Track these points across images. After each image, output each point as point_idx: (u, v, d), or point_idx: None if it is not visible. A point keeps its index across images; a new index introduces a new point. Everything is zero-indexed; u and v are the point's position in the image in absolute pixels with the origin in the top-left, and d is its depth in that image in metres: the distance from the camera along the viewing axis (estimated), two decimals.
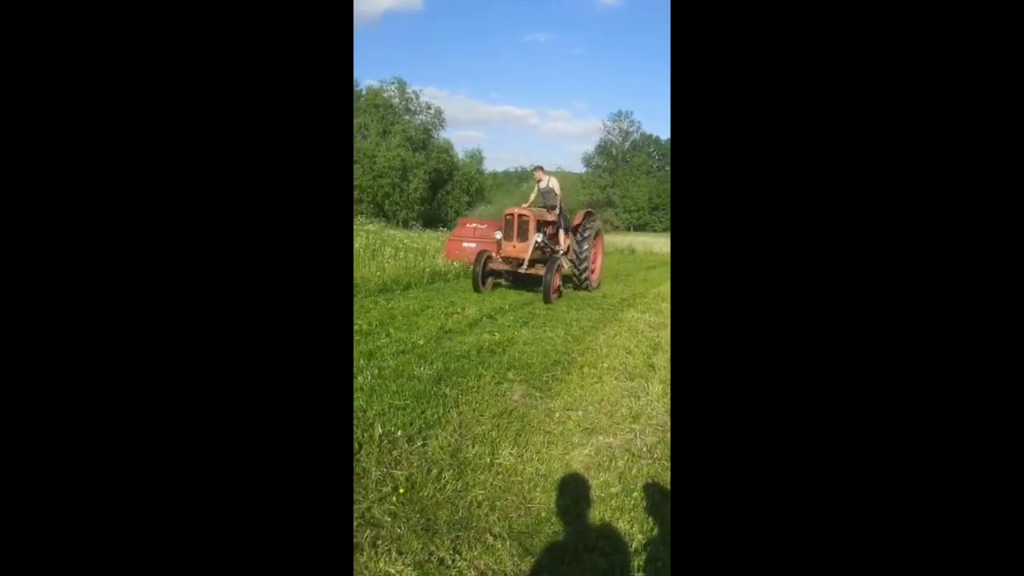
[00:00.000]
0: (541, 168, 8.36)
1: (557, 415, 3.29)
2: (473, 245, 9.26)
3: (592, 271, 8.72)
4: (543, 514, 2.23)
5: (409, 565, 1.83)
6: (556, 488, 2.42)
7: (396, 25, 57.64)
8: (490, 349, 4.56)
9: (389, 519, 2.09)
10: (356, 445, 2.64)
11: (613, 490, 2.40)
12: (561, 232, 8.22)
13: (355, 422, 2.87)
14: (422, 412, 3.09)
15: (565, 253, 8.32)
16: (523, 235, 7.59)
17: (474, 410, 3.23)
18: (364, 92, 34.42)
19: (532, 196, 8.36)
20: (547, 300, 7.07)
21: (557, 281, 7.44)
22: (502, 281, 8.56)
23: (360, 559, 1.86)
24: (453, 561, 1.88)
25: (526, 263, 7.61)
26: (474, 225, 10.19)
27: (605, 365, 4.34)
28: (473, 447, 2.75)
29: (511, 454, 2.71)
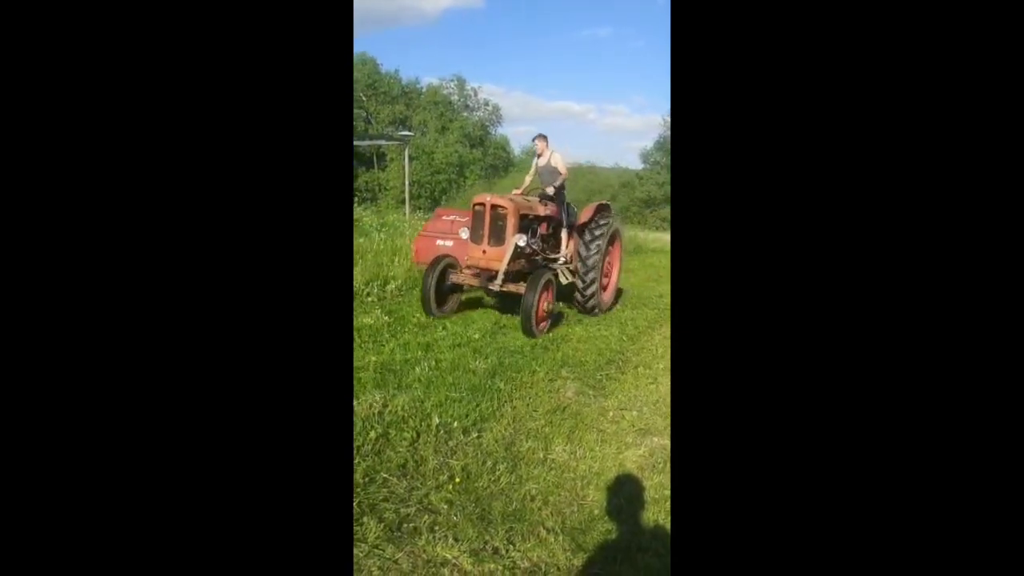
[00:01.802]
0: (543, 137, 5.74)
1: (611, 414, 3.28)
2: (450, 243, 6.39)
3: (604, 287, 6.15)
4: (596, 511, 2.24)
5: (465, 552, 1.89)
6: (609, 487, 2.43)
7: (456, 23, 58.39)
8: (543, 346, 4.59)
9: (446, 506, 2.16)
10: (414, 434, 2.73)
11: (667, 492, 2.38)
12: (564, 232, 5.95)
13: (413, 411, 2.97)
14: (477, 405, 3.16)
15: (567, 262, 5.92)
16: (497, 236, 5.11)
17: (528, 405, 3.27)
18: (424, 90, 35.11)
19: (528, 178, 6.00)
20: (528, 332, 4.71)
21: (544, 304, 4.86)
22: (486, 299, 6.02)
23: (419, 542, 1.93)
24: (507, 551, 1.92)
25: (500, 277, 4.97)
26: (452, 217, 7.02)
27: (660, 366, 4.28)
28: (527, 441, 2.79)
29: (564, 450, 2.73)
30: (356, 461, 2.43)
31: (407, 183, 14.80)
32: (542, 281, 4.79)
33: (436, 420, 2.88)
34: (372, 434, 2.65)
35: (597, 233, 5.77)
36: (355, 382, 3.29)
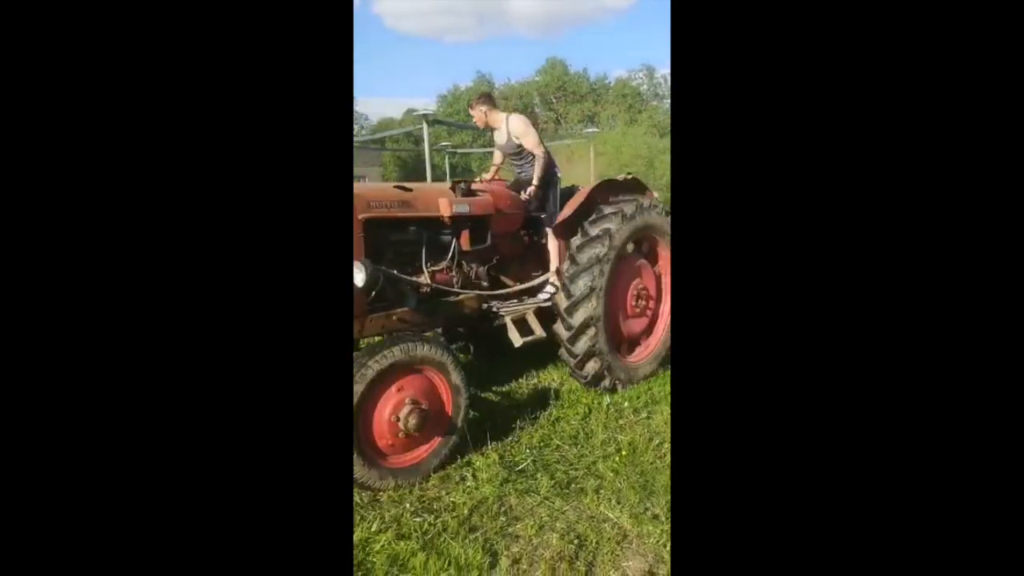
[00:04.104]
0: (485, 99, 3.52)
1: None
2: None
3: (635, 336, 3.43)
4: None
5: (625, 513, 2.06)
6: None
7: (646, 12, 56.90)
8: None
9: (611, 474, 2.35)
10: (586, 409, 2.97)
11: None
12: (550, 234, 3.32)
13: (586, 391, 3.19)
14: (648, 388, 3.26)
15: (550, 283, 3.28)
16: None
17: None
18: (612, 84, 35.04)
19: (496, 162, 3.69)
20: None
21: (392, 421, 2.21)
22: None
23: (584, 500, 2.16)
24: (666, 518, 2.04)
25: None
26: None
27: None
28: None
29: None
30: (534, 429, 2.75)
31: (592, 179, 15.11)
32: (377, 367, 2.17)
33: (607, 400, 3.07)
34: (551, 409, 2.96)
35: (594, 233, 3.03)
36: (536, 363, 3.63)
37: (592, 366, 3.07)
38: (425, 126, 9.08)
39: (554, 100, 34.94)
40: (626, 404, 3.03)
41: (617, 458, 2.47)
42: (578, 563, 1.81)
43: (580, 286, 2.97)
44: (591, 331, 3.00)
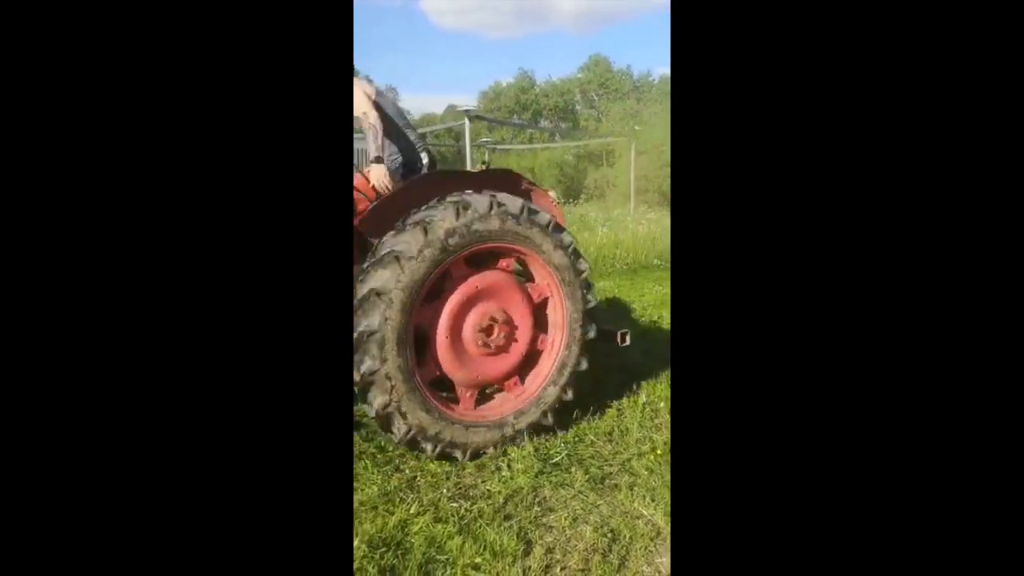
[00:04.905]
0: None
1: None
2: None
3: (466, 385, 2.45)
4: None
5: (660, 511, 2.07)
6: None
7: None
8: None
9: (646, 472, 2.35)
10: (621, 406, 2.97)
11: None
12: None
13: (622, 390, 3.20)
14: None
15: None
16: None
17: None
18: (656, 82, 34.52)
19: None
20: None
21: None
22: None
23: (618, 496, 2.17)
24: None
25: None
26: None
27: None
28: None
29: None
30: (568, 423, 2.77)
31: (632, 178, 14.93)
32: None
33: (643, 398, 3.07)
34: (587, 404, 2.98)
35: (382, 253, 2.20)
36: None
37: (400, 427, 2.24)
38: (467, 122, 9.18)
39: (596, 97, 34.66)
40: (662, 404, 3.02)
41: (652, 456, 2.47)
42: (611, 556, 1.83)
43: (361, 326, 2.15)
44: (386, 384, 2.17)
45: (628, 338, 2.87)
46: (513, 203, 2.41)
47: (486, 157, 16.24)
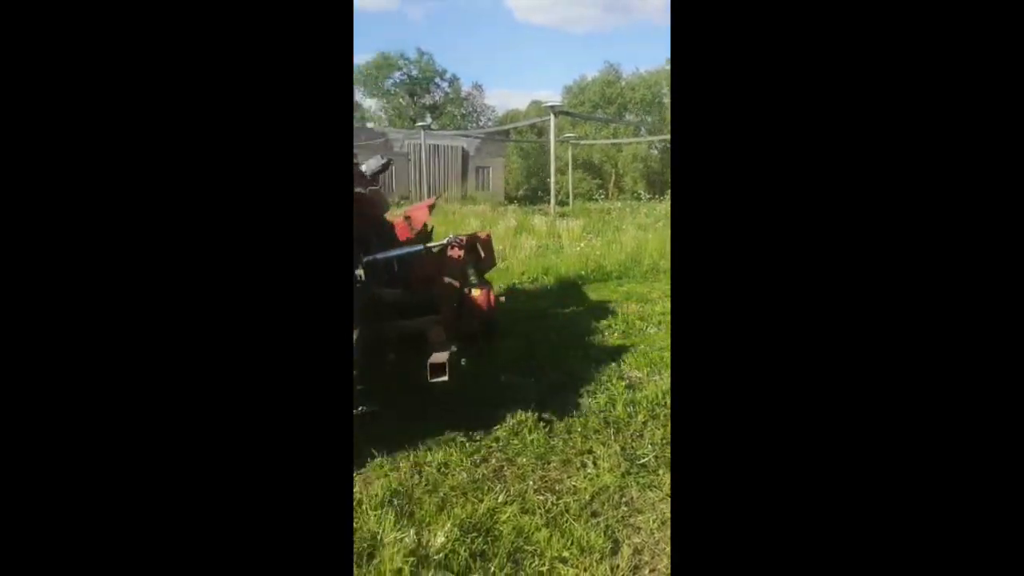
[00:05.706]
0: None
1: None
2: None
3: None
4: None
5: None
6: None
7: None
8: None
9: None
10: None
11: None
12: None
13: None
14: None
15: None
16: None
17: None
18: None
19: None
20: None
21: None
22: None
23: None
24: None
25: None
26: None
27: None
28: None
29: None
30: (657, 424, 2.72)
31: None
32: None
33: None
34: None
35: None
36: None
37: None
38: (552, 117, 9.18)
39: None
40: None
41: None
42: None
43: None
44: None
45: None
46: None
47: (569, 151, 16.06)
